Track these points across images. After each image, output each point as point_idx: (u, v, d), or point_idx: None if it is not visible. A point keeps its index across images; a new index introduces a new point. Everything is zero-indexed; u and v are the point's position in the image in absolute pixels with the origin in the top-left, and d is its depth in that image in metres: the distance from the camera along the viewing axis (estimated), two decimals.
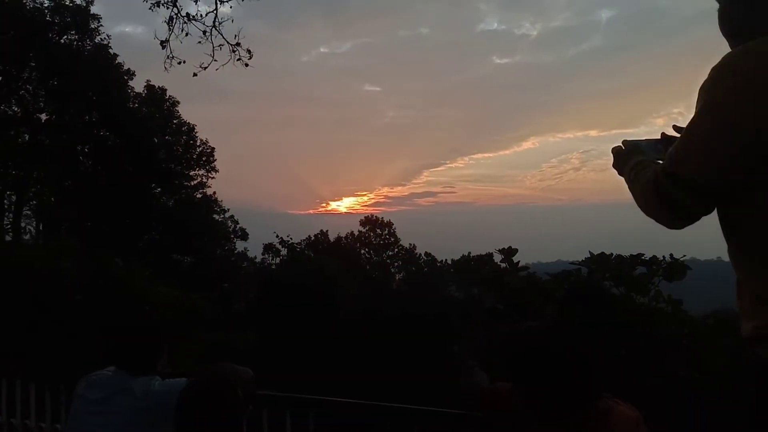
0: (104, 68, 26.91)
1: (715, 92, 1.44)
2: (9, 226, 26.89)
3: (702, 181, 1.45)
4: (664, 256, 4.48)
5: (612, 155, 1.85)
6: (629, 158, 1.75)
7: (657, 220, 1.57)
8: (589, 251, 4.81)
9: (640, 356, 3.95)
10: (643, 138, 1.85)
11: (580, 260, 5.02)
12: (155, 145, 30.10)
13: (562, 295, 4.36)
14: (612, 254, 4.77)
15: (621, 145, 1.84)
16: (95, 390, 2.37)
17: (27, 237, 27.74)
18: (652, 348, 4.01)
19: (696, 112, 1.48)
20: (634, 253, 4.81)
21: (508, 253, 5.39)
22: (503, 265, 5.47)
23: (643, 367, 3.73)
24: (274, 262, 35.69)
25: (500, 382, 1.99)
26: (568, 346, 1.65)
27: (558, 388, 1.62)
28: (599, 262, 4.76)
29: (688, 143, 1.49)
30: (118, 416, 2.28)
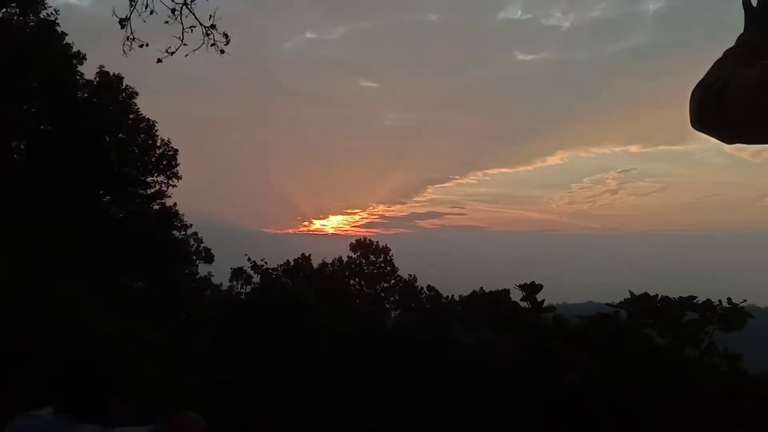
0: (50, 50, 26.99)
1: None
2: None
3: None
4: (720, 300, 4.46)
5: None
6: None
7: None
8: (630, 291, 4.79)
9: (688, 419, 3.92)
10: None
11: (618, 302, 5.00)
12: (106, 143, 30.10)
13: (597, 343, 4.34)
14: (657, 296, 4.75)
15: None
16: None
17: None
18: (702, 410, 3.99)
19: None
20: (684, 296, 4.79)
21: (531, 289, 5.36)
22: (524, 304, 5.43)
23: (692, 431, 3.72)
24: (243, 290, 35.52)
25: None
26: (612, 405, 1.64)
27: None
28: (641, 304, 4.73)
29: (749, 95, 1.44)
30: None
